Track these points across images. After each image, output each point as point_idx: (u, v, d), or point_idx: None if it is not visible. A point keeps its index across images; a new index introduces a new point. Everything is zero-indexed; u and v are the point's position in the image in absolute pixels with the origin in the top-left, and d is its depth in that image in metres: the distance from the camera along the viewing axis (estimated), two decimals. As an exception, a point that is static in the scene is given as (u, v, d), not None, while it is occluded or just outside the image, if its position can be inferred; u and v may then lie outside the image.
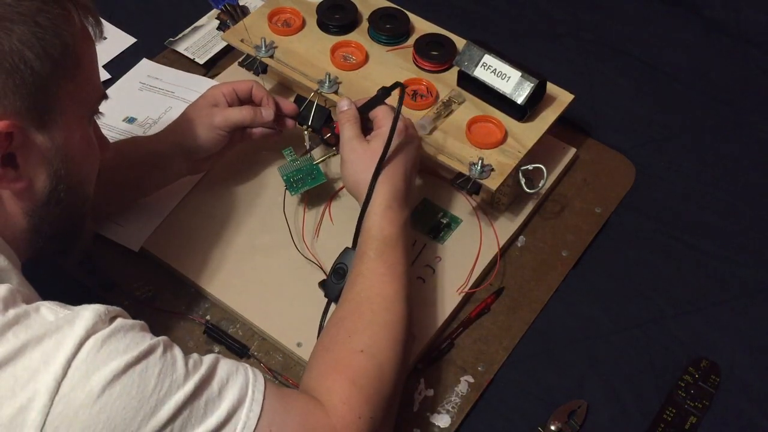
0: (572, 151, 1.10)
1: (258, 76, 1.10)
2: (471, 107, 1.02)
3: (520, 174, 0.97)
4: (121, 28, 1.28)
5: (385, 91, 0.93)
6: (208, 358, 0.68)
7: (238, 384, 0.68)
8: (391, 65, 1.06)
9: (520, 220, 1.03)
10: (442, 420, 0.89)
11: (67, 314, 0.63)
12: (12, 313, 0.61)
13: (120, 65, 1.23)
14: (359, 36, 1.09)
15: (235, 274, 0.97)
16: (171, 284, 0.98)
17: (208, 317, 0.96)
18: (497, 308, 0.97)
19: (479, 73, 1.00)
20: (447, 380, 0.92)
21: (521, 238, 1.04)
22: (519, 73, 0.98)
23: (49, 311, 0.63)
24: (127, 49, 1.26)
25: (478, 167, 0.94)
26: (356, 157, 0.89)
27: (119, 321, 0.64)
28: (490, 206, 1.03)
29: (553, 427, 0.88)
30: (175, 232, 1.01)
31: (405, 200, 0.88)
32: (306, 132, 1.00)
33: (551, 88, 1.02)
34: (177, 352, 0.66)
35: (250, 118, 0.97)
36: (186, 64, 1.23)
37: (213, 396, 0.66)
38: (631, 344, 0.95)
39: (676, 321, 0.98)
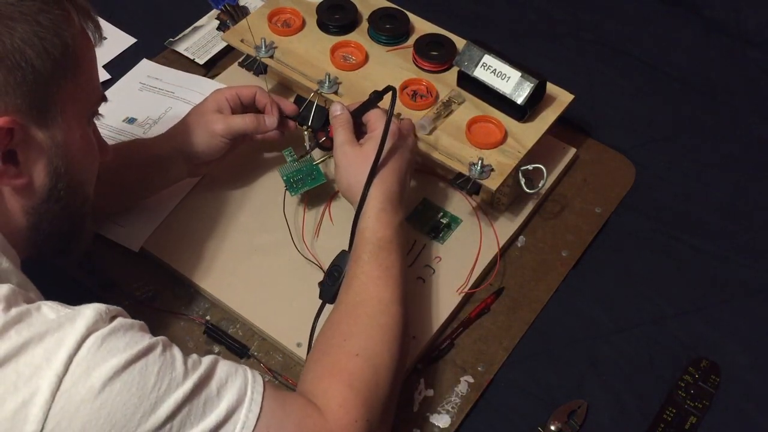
0: (572, 151, 1.10)
1: (258, 76, 1.10)
2: (471, 107, 1.02)
3: (520, 174, 0.97)
4: (121, 28, 1.28)
5: (377, 95, 0.92)
6: (206, 359, 0.68)
7: (237, 385, 0.68)
8: (391, 65, 1.06)
9: (520, 220, 1.03)
10: (442, 420, 0.89)
11: (68, 312, 0.63)
12: (14, 311, 0.62)
13: (120, 65, 1.23)
14: (359, 36, 1.09)
15: (235, 274, 0.97)
16: (171, 284, 0.98)
17: (207, 317, 0.96)
18: (497, 308, 0.97)
19: (479, 73, 1.00)
20: (447, 380, 0.92)
21: (521, 238, 1.04)
22: (519, 73, 0.98)
23: (50, 310, 0.63)
24: (127, 49, 1.26)
25: (478, 167, 0.94)
26: (349, 162, 0.89)
27: (119, 320, 0.65)
28: (490, 206, 1.03)
29: (553, 427, 0.88)
30: (175, 232, 1.01)
31: (399, 202, 0.88)
32: (306, 132, 1.00)
33: (551, 88, 1.02)
34: (176, 351, 0.67)
35: (253, 127, 0.97)
36: (186, 64, 1.23)
37: (212, 395, 0.66)
38: (631, 344, 0.95)
39: (676, 321, 0.98)
